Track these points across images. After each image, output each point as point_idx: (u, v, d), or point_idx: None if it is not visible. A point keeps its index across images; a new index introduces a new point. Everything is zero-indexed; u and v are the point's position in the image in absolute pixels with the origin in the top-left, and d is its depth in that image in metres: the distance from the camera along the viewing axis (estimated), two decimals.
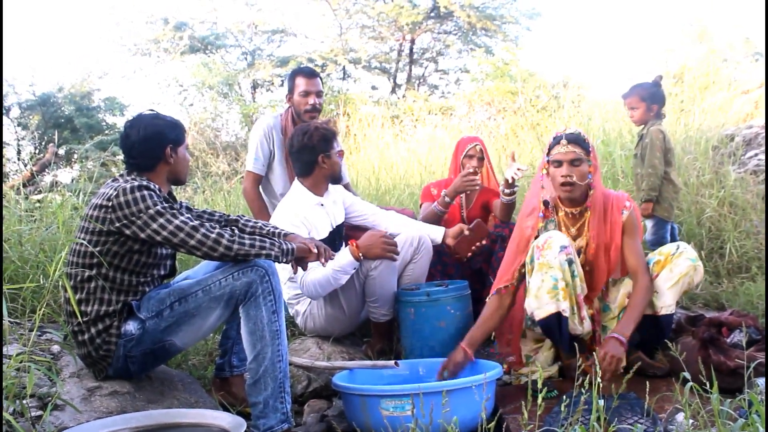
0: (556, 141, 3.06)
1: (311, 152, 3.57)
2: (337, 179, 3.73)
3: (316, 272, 3.27)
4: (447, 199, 3.99)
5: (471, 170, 3.93)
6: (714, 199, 4.76)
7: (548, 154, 3.09)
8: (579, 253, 3.09)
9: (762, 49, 9.05)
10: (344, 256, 3.32)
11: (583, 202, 3.11)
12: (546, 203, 3.18)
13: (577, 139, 3.03)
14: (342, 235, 3.76)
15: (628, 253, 3.09)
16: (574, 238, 3.11)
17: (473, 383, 2.60)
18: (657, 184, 4.00)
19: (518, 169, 3.70)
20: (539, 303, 2.92)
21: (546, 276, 2.90)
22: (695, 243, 4.40)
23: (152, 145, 2.65)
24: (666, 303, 3.00)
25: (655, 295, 3.02)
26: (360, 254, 3.33)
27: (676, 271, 2.99)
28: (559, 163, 3.03)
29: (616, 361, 2.78)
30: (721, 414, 1.99)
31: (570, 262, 2.92)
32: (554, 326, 2.92)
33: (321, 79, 4.30)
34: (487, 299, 3.18)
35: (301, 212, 3.50)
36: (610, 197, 3.13)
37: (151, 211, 2.47)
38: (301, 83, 4.16)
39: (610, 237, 3.08)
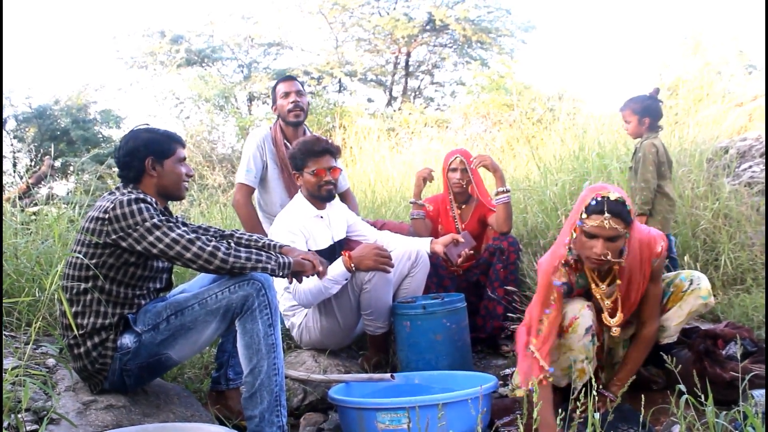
0: (597, 209, 2.62)
1: (291, 166, 3.70)
2: (319, 198, 3.65)
3: (309, 281, 3.27)
4: (410, 200, 4.30)
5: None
6: (709, 211, 4.76)
7: (583, 217, 2.67)
8: (614, 313, 2.86)
9: (755, 62, 9.12)
10: (337, 267, 3.32)
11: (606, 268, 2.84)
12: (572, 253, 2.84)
13: (620, 213, 2.61)
14: (342, 248, 3.77)
15: (648, 299, 2.90)
16: (608, 295, 2.86)
17: (469, 396, 2.60)
18: (650, 198, 4.01)
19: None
20: (552, 374, 2.79)
21: (564, 356, 2.82)
22: (690, 255, 4.40)
23: (134, 157, 2.66)
24: (669, 335, 2.99)
25: (661, 329, 2.98)
26: (352, 265, 3.32)
27: (685, 309, 2.94)
28: (593, 236, 2.65)
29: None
30: (716, 426, 2.00)
31: (592, 336, 2.79)
32: (563, 391, 2.88)
33: (301, 83, 4.34)
34: (533, 386, 2.70)
35: (300, 221, 3.51)
36: (643, 243, 2.81)
37: (147, 224, 2.47)
38: (280, 88, 4.25)
39: (636, 296, 2.88)
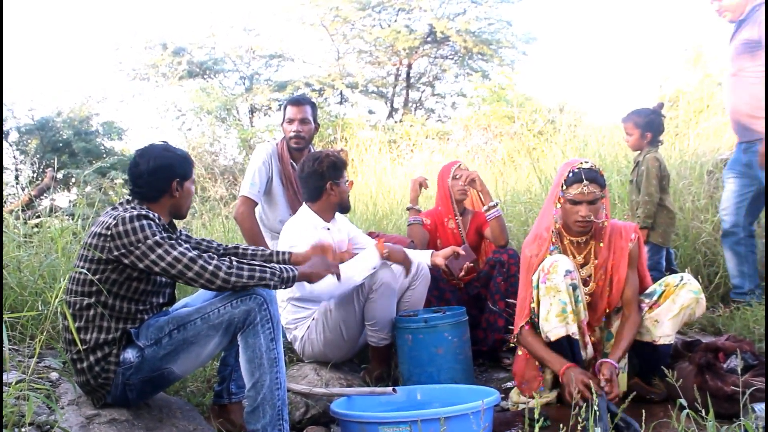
0: (575, 179, 3.00)
1: (320, 178, 3.62)
2: (345, 209, 3.75)
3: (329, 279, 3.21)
4: (408, 206, 4.37)
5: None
6: (709, 223, 4.77)
7: (564, 188, 3.04)
8: (587, 282, 3.13)
9: None
10: (369, 257, 3.46)
11: (589, 232, 3.13)
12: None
13: (596, 178, 3.00)
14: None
15: (627, 284, 3.11)
16: (581, 266, 3.14)
17: (471, 410, 2.61)
18: (652, 212, 4.02)
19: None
20: (549, 326, 2.96)
21: (554, 299, 2.94)
22: (691, 268, 4.41)
23: (160, 177, 2.67)
24: (665, 333, 3.04)
25: (655, 324, 3.05)
26: (386, 252, 3.47)
27: (678, 303, 3.03)
28: (577, 202, 3.01)
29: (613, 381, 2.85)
30: None
31: (574, 287, 2.95)
32: (566, 348, 2.96)
33: (313, 105, 4.32)
34: (517, 336, 3.14)
35: (308, 232, 3.51)
36: (617, 228, 3.15)
37: (149, 242, 2.48)
38: (288, 111, 4.25)
39: (615, 268, 3.11)
